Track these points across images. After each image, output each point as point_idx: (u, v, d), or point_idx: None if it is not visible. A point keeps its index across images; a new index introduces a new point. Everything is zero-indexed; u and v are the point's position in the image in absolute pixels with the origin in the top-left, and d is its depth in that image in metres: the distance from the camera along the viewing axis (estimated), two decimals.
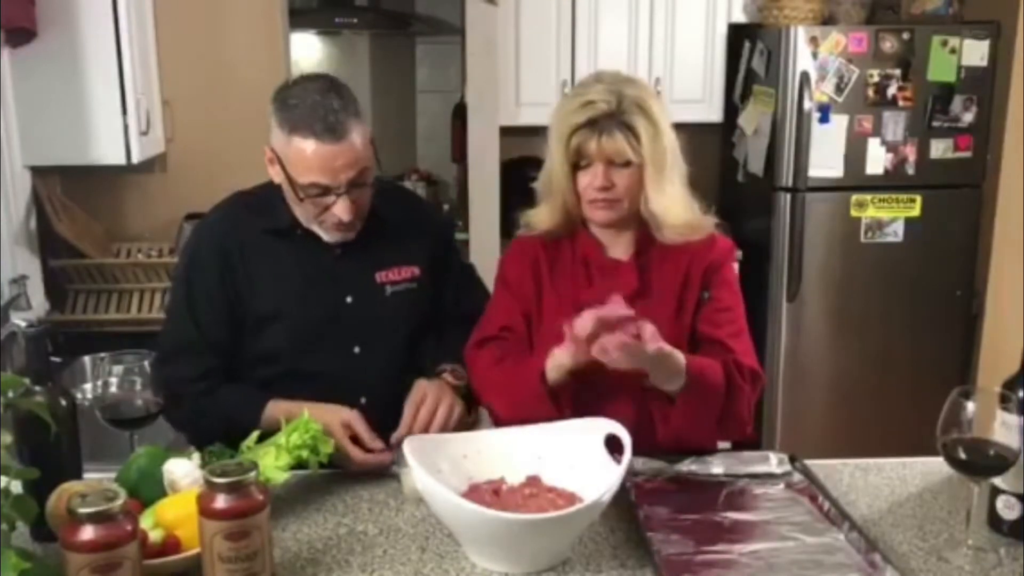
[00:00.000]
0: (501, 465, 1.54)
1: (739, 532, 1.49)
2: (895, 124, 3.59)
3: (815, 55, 3.53)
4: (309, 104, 1.69)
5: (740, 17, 3.98)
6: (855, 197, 3.64)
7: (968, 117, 3.60)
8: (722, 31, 3.98)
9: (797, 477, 1.65)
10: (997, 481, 1.48)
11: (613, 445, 1.51)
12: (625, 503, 1.53)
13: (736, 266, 2.00)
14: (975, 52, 3.55)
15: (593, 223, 1.77)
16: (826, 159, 3.59)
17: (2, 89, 2.90)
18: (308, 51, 4.41)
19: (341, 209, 1.74)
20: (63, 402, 1.47)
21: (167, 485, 1.50)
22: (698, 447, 1.71)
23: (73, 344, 2.98)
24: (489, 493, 1.49)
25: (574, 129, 1.67)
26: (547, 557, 1.40)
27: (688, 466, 1.67)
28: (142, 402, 1.62)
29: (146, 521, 1.40)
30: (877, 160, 3.62)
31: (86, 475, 1.52)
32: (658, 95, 1.76)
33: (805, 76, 3.52)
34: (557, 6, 3.90)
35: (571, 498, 1.47)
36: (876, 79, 3.55)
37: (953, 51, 3.54)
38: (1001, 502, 1.49)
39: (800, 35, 3.53)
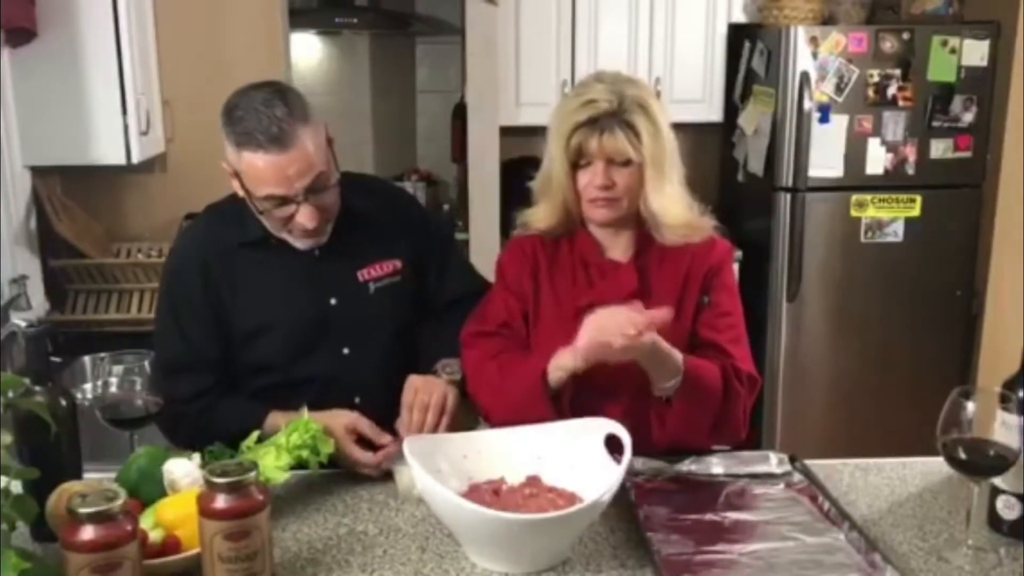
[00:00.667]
0: (501, 465, 1.54)
1: (739, 532, 1.49)
2: (895, 124, 3.59)
3: (815, 55, 3.53)
4: (253, 116, 1.65)
5: (740, 17, 3.98)
6: (855, 197, 3.64)
7: (968, 117, 3.60)
8: (722, 31, 3.98)
9: (797, 477, 1.65)
10: (997, 481, 1.48)
11: (613, 445, 1.51)
12: (625, 503, 1.53)
13: (735, 267, 2.00)
14: (975, 52, 3.55)
15: (592, 222, 1.76)
16: (826, 159, 3.59)
17: (2, 89, 2.90)
18: (308, 51, 4.40)
19: (304, 217, 1.71)
20: (63, 402, 1.47)
21: (167, 485, 1.50)
22: (696, 449, 1.71)
23: (73, 344, 2.97)
24: (489, 493, 1.49)
25: (575, 127, 1.67)
26: (547, 557, 1.40)
27: (688, 466, 1.67)
28: (142, 402, 1.61)
29: (146, 521, 1.40)
30: (877, 160, 3.62)
31: (86, 475, 1.52)
32: (658, 96, 1.76)
33: (805, 76, 3.52)
34: (557, 6, 3.90)
35: (571, 498, 1.47)
36: (876, 79, 3.55)
37: (953, 51, 3.54)
38: (1001, 502, 1.49)
39: (800, 35, 3.53)
